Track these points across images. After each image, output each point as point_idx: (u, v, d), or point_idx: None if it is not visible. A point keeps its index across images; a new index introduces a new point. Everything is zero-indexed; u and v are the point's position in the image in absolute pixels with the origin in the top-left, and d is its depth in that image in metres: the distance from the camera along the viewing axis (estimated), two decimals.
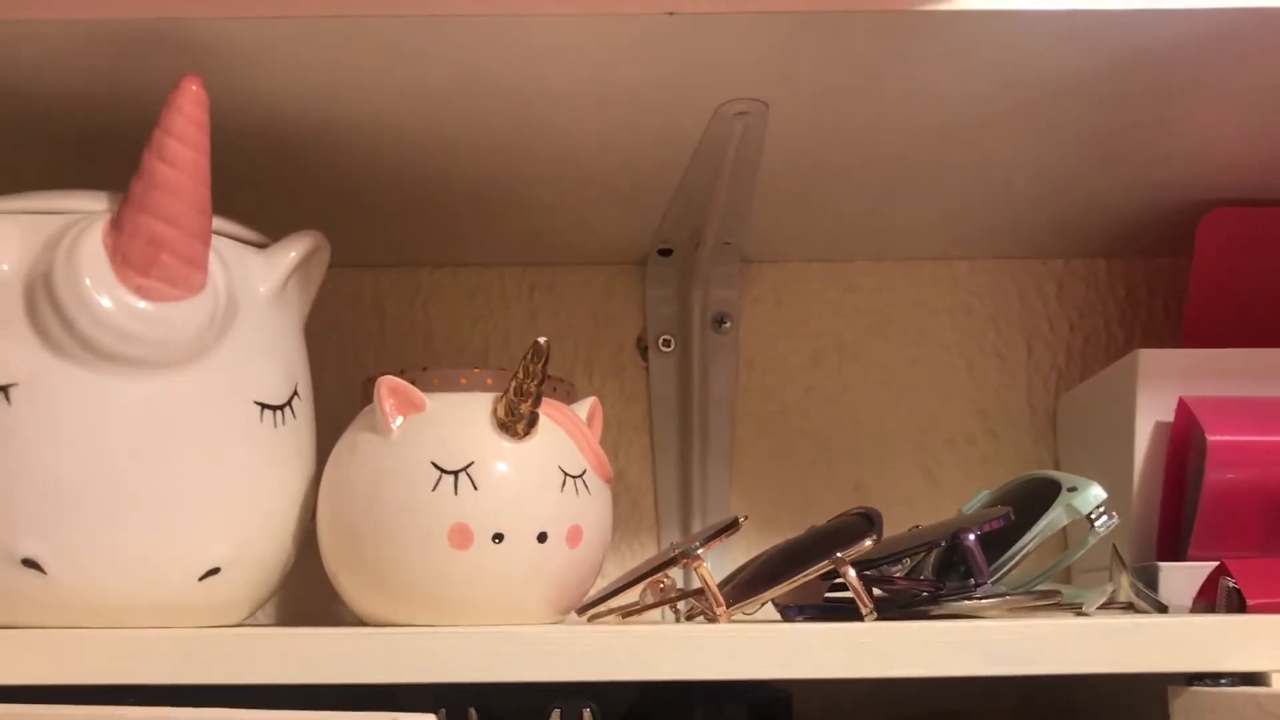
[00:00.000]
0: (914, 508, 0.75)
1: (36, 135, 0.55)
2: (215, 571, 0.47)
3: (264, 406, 0.49)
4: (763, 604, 0.47)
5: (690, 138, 0.56)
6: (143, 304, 0.45)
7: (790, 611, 0.48)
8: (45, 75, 0.50)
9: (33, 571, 0.45)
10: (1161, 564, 0.58)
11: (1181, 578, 0.56)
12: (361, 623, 0.51)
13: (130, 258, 0.45)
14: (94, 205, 0.47)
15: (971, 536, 0.46)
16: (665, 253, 0.74)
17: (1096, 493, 0.49)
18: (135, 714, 0.42)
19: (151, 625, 0.46)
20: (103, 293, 0.44)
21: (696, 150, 0.58)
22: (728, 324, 0.75)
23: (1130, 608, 0.56)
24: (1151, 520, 0.61)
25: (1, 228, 0.46)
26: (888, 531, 0.49)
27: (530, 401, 0.48)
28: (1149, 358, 0.61)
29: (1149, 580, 0.58)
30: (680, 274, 0.74)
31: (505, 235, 0.71)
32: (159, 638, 0.44)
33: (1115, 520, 0.49)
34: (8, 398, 0.45)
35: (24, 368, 0.45)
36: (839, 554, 0.45)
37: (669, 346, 0.75)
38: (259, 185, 0.60)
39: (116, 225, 0.45)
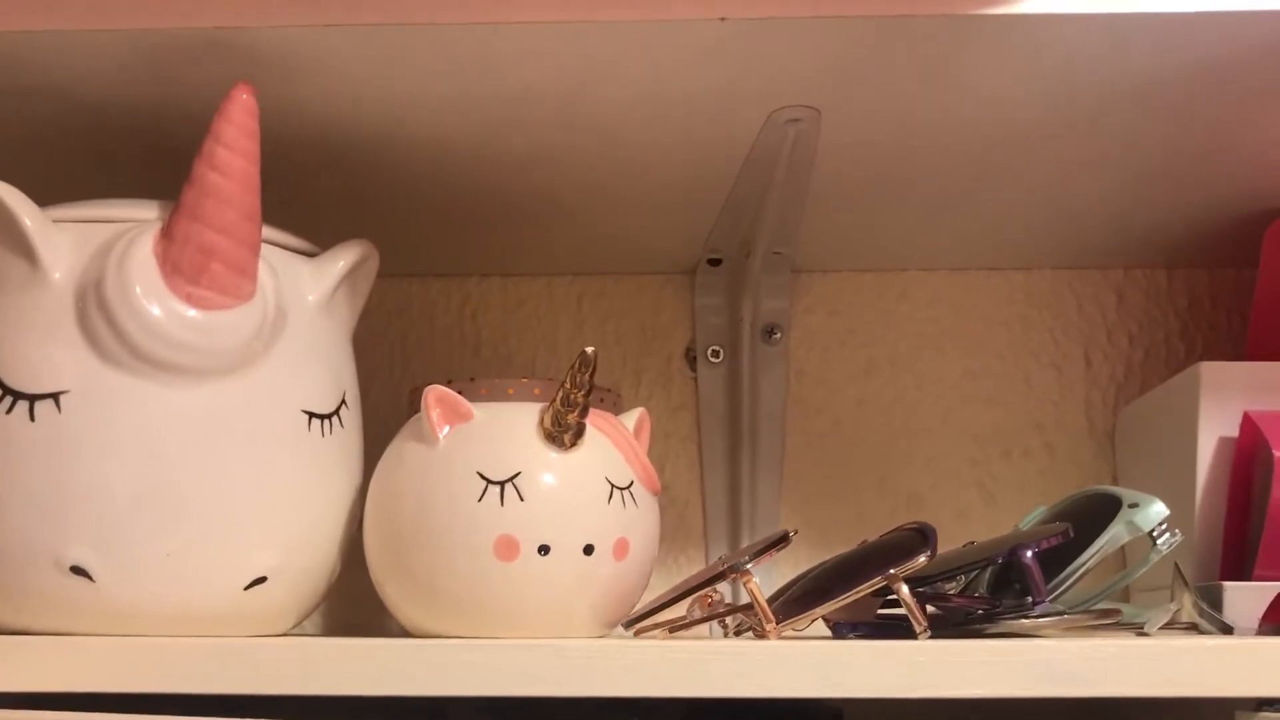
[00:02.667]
0: (969, 522, 0.73)
1: (88, 144, 0.55)
2: (261, 580, 0.47)
3: (312, 415, 0.49)
4: (813, 620, 0.46)
5: (742, 145, 0.56)
6: (193, 312, 0.45)
7: (842, 628, 0.47)
8: (97, 84, 0.50)
9: (81, 579, 0.45)
10: (1226, 584, 0.56)
11: (1246, 598, 0.54)
12: (407, 634, 0.50)
13: (181, 266, 0.45)
14: (145, 214, 0.47)
15: (1029, 553, 0.45)
16: (715, 262, 0.73)
17: (1159, 509, 0.47)
18: None
19: (197, 634, 0.45)
20: (153, 301, 0.44)
21: (748, 158, 0.57)
22: (778, 334, 0.74)
23: (1193, 629, 0.54)
24: (1215, 538, 0.59)
25: (53, 236, 0.46)
26: (942, 547, 0.48)
27: (577, 412, 0.47)
28: (1212, 370, 0.59)
29: (1213, 600, 0.56)
30: (730, 284, 0.74)
31: (554, 245, 0.71)
32: (204, 647, 0.44)
33: (1178, 538, 0.48)
34: (58, 405, 0.45)
35: (75, 376, 0.45)
36: (892, 570, 0.44)
37: (718, 357, 0.74)
38: (308, 195, 0.60)
39: (167, 233, 0.45)
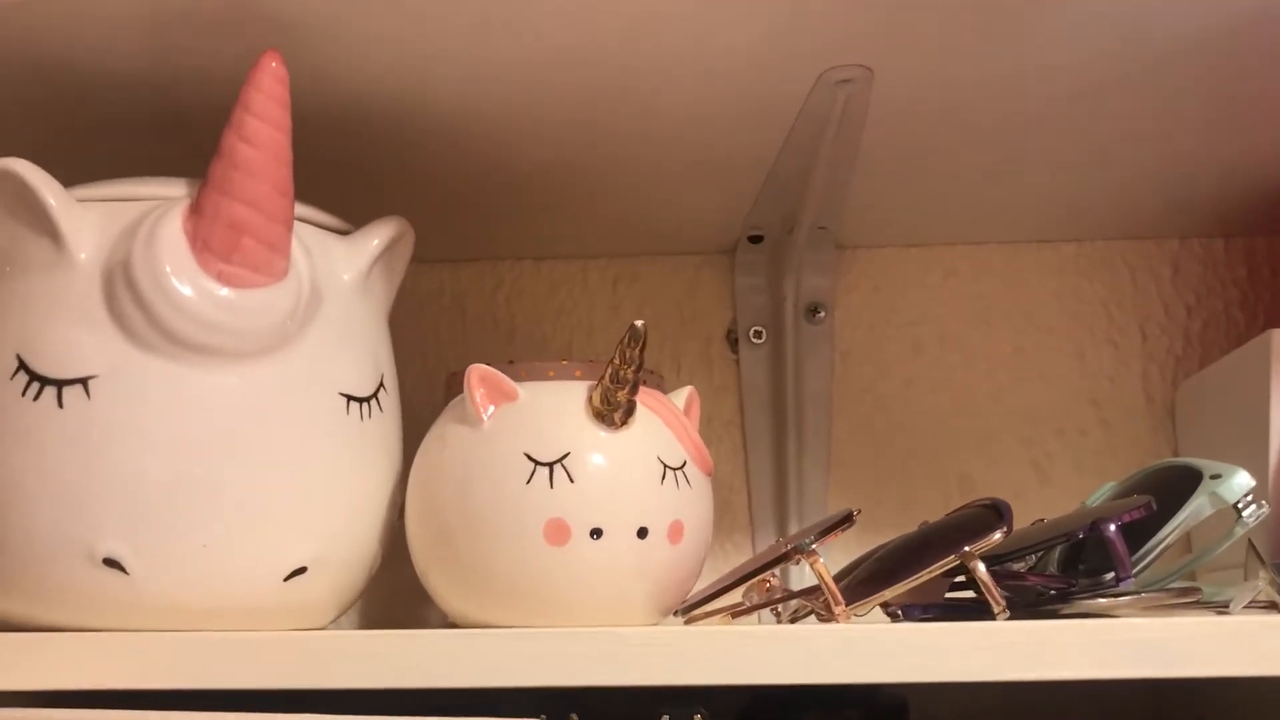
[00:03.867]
0: (1024, 503, 0.69)
1: (111, 119, 0.53)
2: (301, 571, 0.45)
3: (350, 398, 0.47)
4: (880, 603, 0.44)
5: (790, 109, 0.53)
6: (224, 291, 0.43)
7: (913, 610, 0.44)
8: (121, 54, 0.48)
9: (114, 571, 0.43)
10: None
11: None
12: (451, 624, 0.48)
13: (211, 243, 0.43)
14: (172, 191, 0.45)
15: (1112, 527, 0.42)
16: (756, 240, 0.71)
17: (1243, 480, 0.45)
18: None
19: (234, 628, 0.44)
20: (183, 280, 0.43)
21: (795, 123, 0.55)
22: (822, 313, 0.72)
23: (1272, 607, 0.52)
24: None
25: (78, 216, 0.44)
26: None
27: (627, 389, 0.45)
28: None
29: None
30: (771, 262, 0.71)
31: (589, 225, 0.69)
32: (244, 640, 0.42)
33: (1265, 509, 0.45)
34: (87, 391, 0.43)
35: (103, 359, 0.43)
36: (967, 548, 0.41)
37: (760, 338, 0.72)
38: (338, 171, 0.58)
39: (196, 209, 0.43)
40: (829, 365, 0.72)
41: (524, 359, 0.72)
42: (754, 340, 0.72)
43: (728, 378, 0.73)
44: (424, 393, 0.63)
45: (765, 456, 0.71)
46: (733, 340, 0.73)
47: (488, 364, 0.48)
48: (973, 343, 0.72)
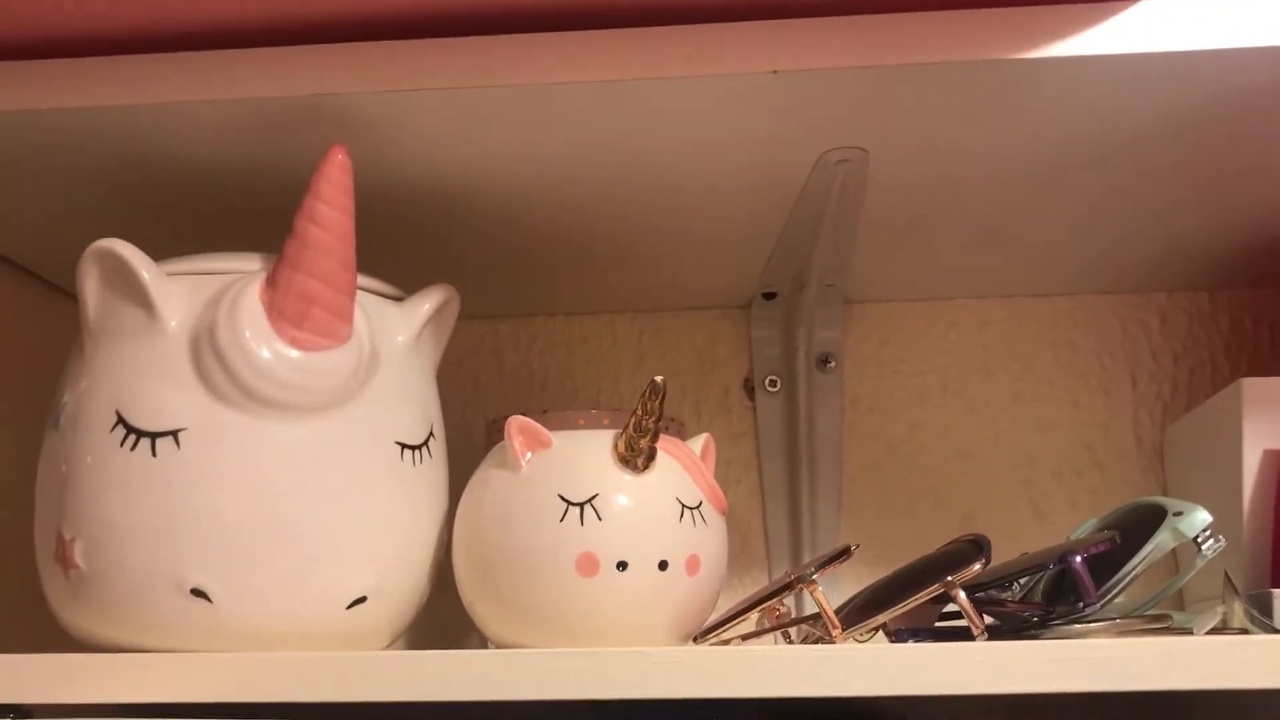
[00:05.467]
0: (1022, 540, 0.75)
1: (195, 202, 0.60)
2: (362, 600, 0.51)
3: (404, 446, 0.53)
4: (877, 627, 0.49)
5: (793, 185, 0.59)
6: (296, 354, 0.49)
7: (903, 634, 0.49)
8: (207, 148, 0.55)
9: (200, 600, 0.49)
10: (1276, 591, 0.58)
11: None
12: (493, 648, 0.54)
13: (285, 312, 0.49)
14: (249, 265, 0.51)
15: (1078, 559, 0.47)
16: (769, 296, 0.77)
17: (1202, 516, 0.50)
18: None
19: (304, 650, 0.49)
20: (261, 344, 0.49)
21: (799, 197, 0.60)
22: (832, 363, 0.77)
23: (1244, 634, 0.56)
24: (1264, 547, 0.61)
25: (168, 288, 0.50)
26: (996, 562, 0.51)
27: (649, 437, 0.51)
28: (1253, 386, 0.61)
29: (1263, 607, 0.58)
30: (784, 316, 0.77)
31: (615, 284, 0.75)
32: (312, 660, 0.47)
33: (1222, 543, 0.50)
34: (177, 442, 0.49)
35: (191, 414, 0.49)
36: (949, 577, 0.47)
37: (775, 386, 0.77)
38: (391, 243, 0.65)
39: (272, 283, 0.49)
40: (839, 412, 0.77)
41: (556, 408, 0.78)
42: (769, 389, 0.78)
43: (745, 424, 0.78)
44: (466, 436, 0.68)
45: (780, 497, 0.77)
46: (749, 389, 0.78)
47: (524, 412, 0.54)
48: (974, 390, 0.78)
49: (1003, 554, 0.71)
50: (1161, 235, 0.69)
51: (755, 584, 0.76)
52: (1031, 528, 0.76)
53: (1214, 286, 0.77)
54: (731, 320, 0.79)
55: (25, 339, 0.70)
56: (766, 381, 0.77)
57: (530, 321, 0.80)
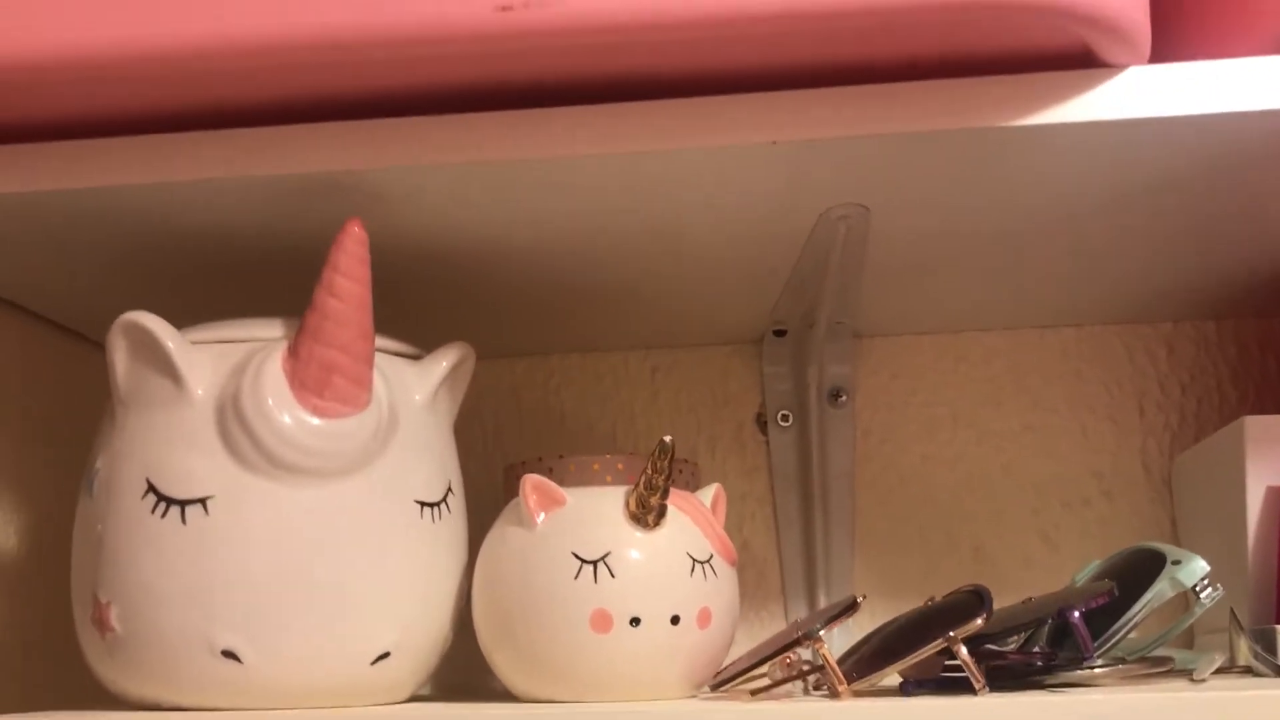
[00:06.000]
0: (1033, 570, 0.77)
1: (220, 270, 0.62)
2: (386, 655, 0.53)
3: (423, 504, 0.54)
4: (880, 680, 0.51)
5: (798, 237, 0.61)
6: (318, 421, 0.51)
7: (909, 685, 0.51)
8: (228, 221, 0.57)
9: (231, 661, 0.51)
10: None
11: None
12: (509, 692, 0.56)
13: (307, 382, 0.51)
14: (271, 332, 0.53)
15: (1076, 614, 0.49)
16: (780, 333, 0.78)
17: (1199, 566, 0.51)
18: None
19: (331, 705, 0.51)
20: (284, 412, 0.51)
21: (805, 247, 0.62)
22: (844, 398, 0.78)
23: (1249, 672, 0.57)
24: (1269, 583, 0.62)
25: (193, 357, 0.52)
26: (1007, 595, 0.52)
27: (659, 495, 0.52)
28: (1255, 424, 0.63)
29: (1268, 643, 0.59)
30: (795, 352, 0.78)
31: (628, 323, 0.76)
32: (340, 716, 0.49)
33: (1220, 592, 0.51)
34: (205, 508, 0.51)
35: (218, 481, 0.51)
36: (952, 633, 0.48)
37: (788, 421, 0.79)
38: (409, 298, 0.67)
39: (294, 353, 0.51)
40: (851, 445, 0.79)
41: (572, 445, 0.80)
42: (782, 423, 0.79)
43: (758, 458, 0.80)
44: (485, 475, 0.70)
45: (795, 531, 0.78)
46: (762, 423, 0.80)
47: (542, 454, 0.55)
48: (984, 422, 0.79)
49: (1014, 583, 0.73)
50: (1164, 270, 0.70)
51: (772, 617, 0.78)
52: (1041, 557, 0.77)
53: (1220, 315, 0.78)
54: (743, 356, 0.81)
55: (68, 393, 0.72)
56: (779, 416, 0.79)
57: (546, 360, 0.82)
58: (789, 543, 0.78)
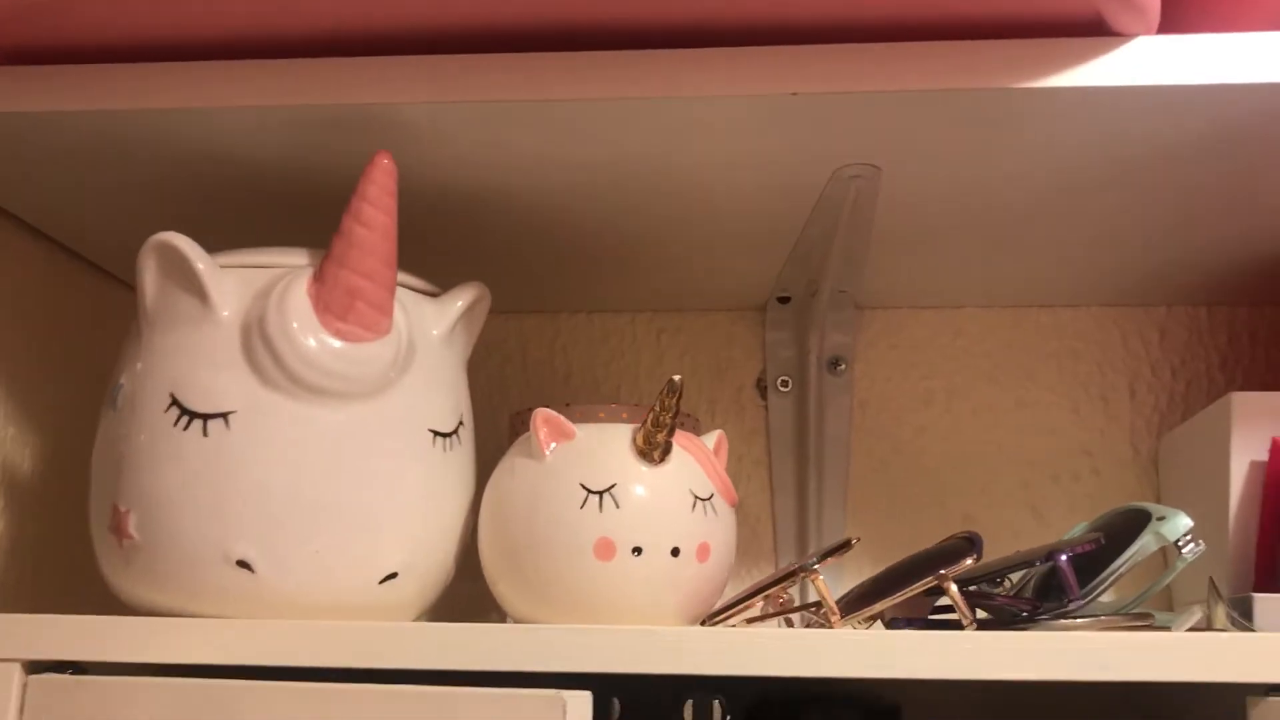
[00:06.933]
0: (1022, 541, 0.78)
1: (247, 199, 0.64)
2: (393, 576, 0.55)
3: (436, 434, 0.56)
4: (873, 615, 0.53)
5: (809, 197, 0.63)
6: (340, 344, 0.52)
7: (898, 623, 0.53)
8: (260, 149, 0.58)
9: (244, 571, 0.52)
10: (1256, 595, 0.61)
11: (1276, 607, 0.59)
12: None
13: (331, 305, 0.52)
14: (297, 259, 0.55)
15: (1064, 557, 0.51)
16: (784, 300, 0.80)
17: (1183, 521, 0.53)
18: (322, 689, 0.49)
19: (339, 619, 0.53)
20: (308, 335, 0.52)
21: (814, 208, 0.64)
22: (843, 366, 0.80)
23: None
24: (1248, 553, 0.64)
25: (221, 279, 0.54)
26: (991, 558, 0.54)
27: (665, 432, 0.54)
28: (1242, 400, 0.64)
29: (1244, 610, 0.61)
30: (798, 320, 0.80)
31: (637, 284, 0.78)
32: (346, 629, 0.51)
33: (1202, 548, 0.53)
34: (227, 423, 0.53)
35: (241, 398, 0.53)
36: (942, 571, 0.50)
37: (787, 387, 0.81)
38: (430, 239, 0.68)
39: (319, 278, 0.53)
40: (848, 413, 0.80)
41: (578, 402, 0.82)
42: (781, 389, 0.81)
43: (757, 422, 0.81)
44: (490, 426, 0.72)
45: (789, 493, 0.80)
46: (762, 388, 0.82)
47: (548, 406, 0.57)
48: (979, 396, 0.81)
49: (1001, 552, 0.74)
50: (1162, 252, 0.72)
51: (762, 574, 0.79)
52: (1030, 528, 0.79)
53: (1212, 303, 0.80)
54: (746, 322, 0.83)
55: (82, 323, 0.74)
56: (779, 382, 0.81)
57: (554, 318, 0.84)
58: (783, 505, 0.80)
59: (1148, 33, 0.51)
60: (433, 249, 0.68)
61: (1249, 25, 0.51)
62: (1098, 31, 0.51)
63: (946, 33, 0.51)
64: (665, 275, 0.76)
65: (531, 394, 0.83)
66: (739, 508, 0.59)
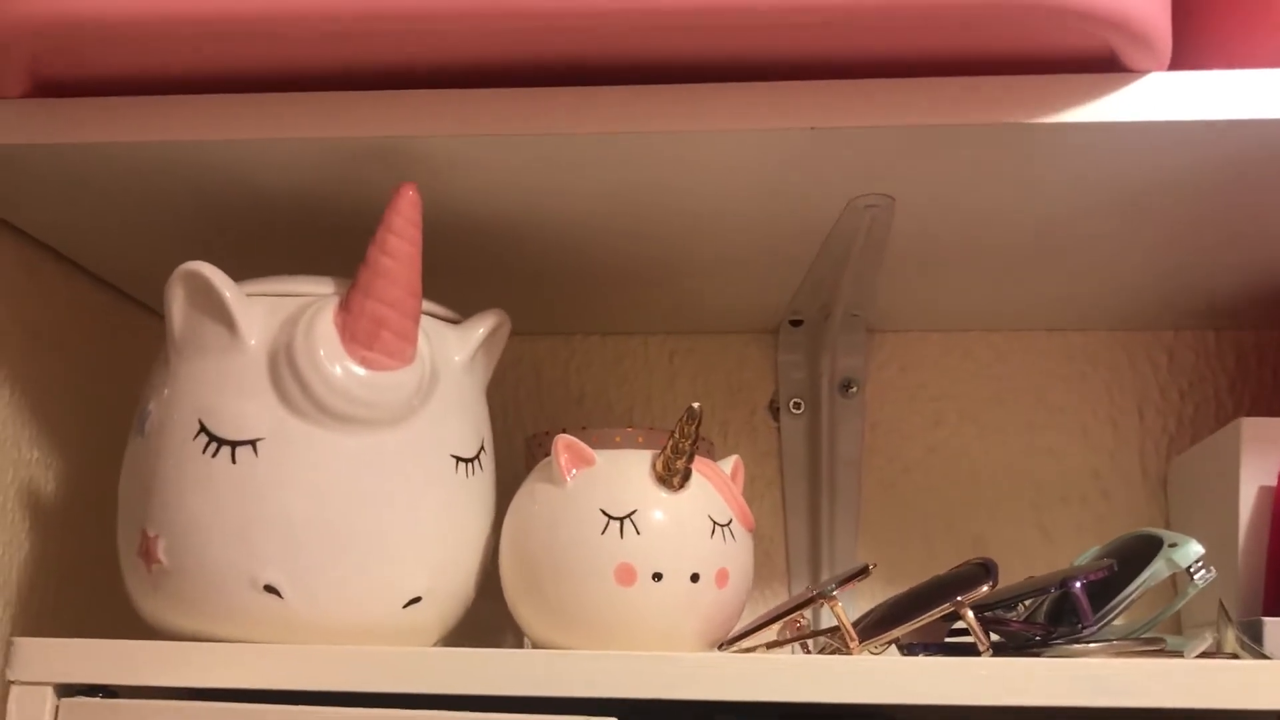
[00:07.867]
0: (1030, 562, 0.79)
1: (277, 228, 0.65)
2: (417, 600, 0.55)
3: (458, 459, 0.57)
4: (890, 641, 0.54)
5: (823, 226, 0.64)
6: (365, 373, 0.53)
7: (914, 649, 0.54)
8: (285, 181, 0.59)
9: (272, 596, 0.53)
10: (1266, 619, 0.62)
11: None
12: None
13: (357, 334, 0.53)
14: (323, 288, 0.56)
15: (1078, 584, 0.51)
16: (796, 323, 0.81)
17: (1195, 549, 0.54)
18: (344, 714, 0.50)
19: (364, 644, 0.54)
20: (334, 363, 0.53)
21: (828, 236, 0.65)
22: (854, 389, 0.81)
23: (1234, 658, 0.60)
24: (1257, 577, 0.65)
25: (248, 308, 0.55)
26: (1003, 583, 0.55)
27: (685, 459, 0.55)
28: (1252, 425, 0.65)
29: (1254, 634, 0.62)
30: (810, 342, 0.81)
31: (649, 307, 0.79)
32: (372, 653, 0.52)
33: (1213, 574, 0.54)
34: (255, 450, 0.53)
35: (268, 425, 0.53)
36: (959, 598, 0.51)
37: (799, 409, 0.82)
38: (450, 264, 0.69)
39: (345, 307, 0.54)
40: (860, 435, 0.81)
41: (592, 424, 0.83)
42: (793, 411, 0.82)
43: (769, 444, 0.82)
44: (504, 448, 0.73)
45: (802, 514, 0.81)
46: (774, 410, 0.82)
47: (563, 428, 0.58)
48: (988, 418, 0.81)
49: (1010, 573, 0.75)
50: (1170, 278, 0.72)
51: (776, 596, 0.80)
52: (1039, 550, 0.80)
53: (1221, 326, 0.81)
54: (759, 344, 0.84)
55: (106, 348, 0.75)
56: (791, 404, 0.82)
57: (568, 340, 0.85)
58: (795, 526, 0.81)
59: (1159, 69, 0.52)
60: (449, 274, 0.68)
61: (1260, 62, 0.52)
62: (1110, 67, 0.52)
63: (961, 68, 0.52)
64: (678, 298, 0.77)
65: (545, 415, 0.84)
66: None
